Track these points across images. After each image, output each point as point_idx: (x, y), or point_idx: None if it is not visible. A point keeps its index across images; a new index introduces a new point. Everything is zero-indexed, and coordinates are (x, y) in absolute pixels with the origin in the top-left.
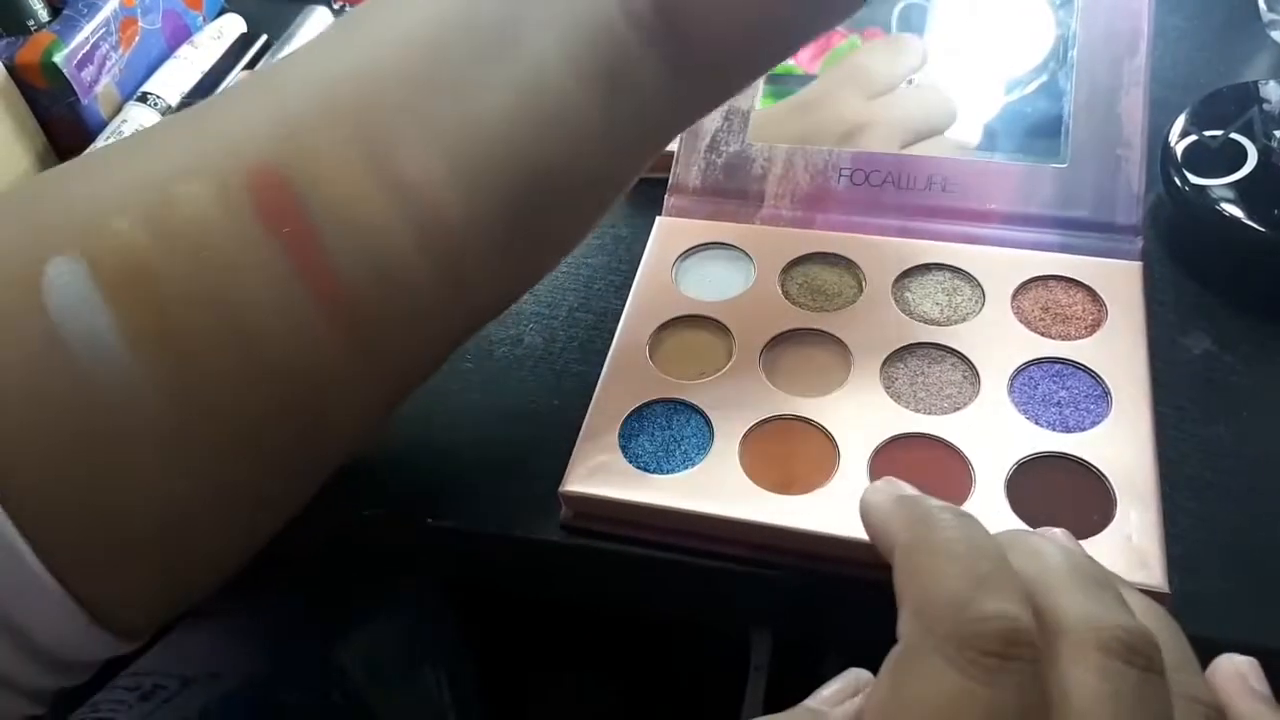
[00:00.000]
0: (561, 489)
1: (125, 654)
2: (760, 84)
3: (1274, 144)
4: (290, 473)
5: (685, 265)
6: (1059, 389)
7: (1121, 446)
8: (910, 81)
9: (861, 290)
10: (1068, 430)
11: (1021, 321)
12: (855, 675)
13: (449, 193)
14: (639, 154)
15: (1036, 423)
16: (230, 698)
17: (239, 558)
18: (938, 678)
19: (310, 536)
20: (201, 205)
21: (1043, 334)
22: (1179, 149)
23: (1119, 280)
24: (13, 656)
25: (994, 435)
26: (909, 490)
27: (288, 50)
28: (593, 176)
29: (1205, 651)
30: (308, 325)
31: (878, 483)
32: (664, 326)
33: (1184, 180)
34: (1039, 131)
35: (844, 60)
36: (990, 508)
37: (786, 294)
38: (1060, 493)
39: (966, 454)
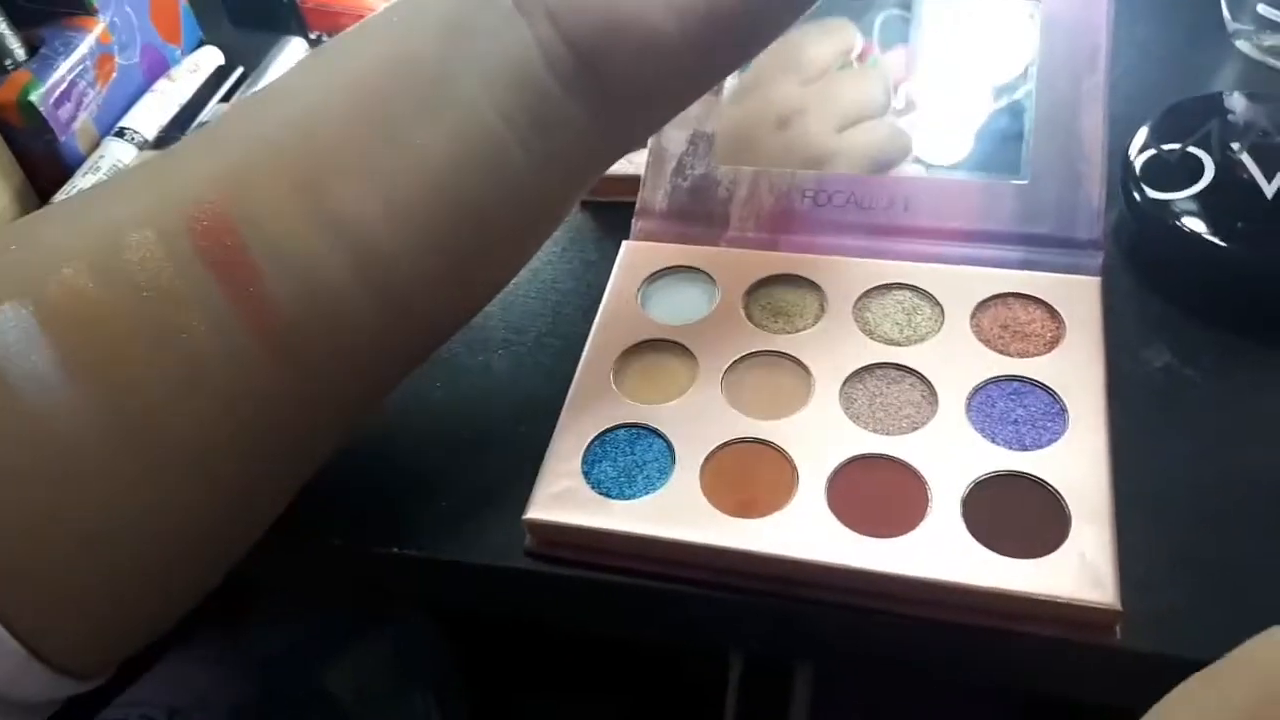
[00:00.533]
0: (525, 517)
1: (96, 687)
2: (724, 108)
3: (1231, 156)
4: (239, 502)
5: (651, 289)
6: (1016, 407)
7: (1077, 464)
8: (849, 65)
9: (823, 311)
10: (1024, 448)
11: (980, 340)
12: None
13: (383, 226)
14: (565, 188)
15: (993, 441)
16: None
17: (194, 591)
18: None
19: (283, 566)
20: (146, 248)
21: (1001, 352)
22: (1138, 163)
23: (1078, 296)
24: None
25: (951, 455)
26: None
27: (264, 82)
28: (522, 209)
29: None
30: (249, 355)
31: None
32: (629, 351)
33: (1142, 194)
34: (1001, 148)
35: (774, 47)
36: (946, 527)
37: (749, 316)
38: (1015, 511)
39: (924, 474)
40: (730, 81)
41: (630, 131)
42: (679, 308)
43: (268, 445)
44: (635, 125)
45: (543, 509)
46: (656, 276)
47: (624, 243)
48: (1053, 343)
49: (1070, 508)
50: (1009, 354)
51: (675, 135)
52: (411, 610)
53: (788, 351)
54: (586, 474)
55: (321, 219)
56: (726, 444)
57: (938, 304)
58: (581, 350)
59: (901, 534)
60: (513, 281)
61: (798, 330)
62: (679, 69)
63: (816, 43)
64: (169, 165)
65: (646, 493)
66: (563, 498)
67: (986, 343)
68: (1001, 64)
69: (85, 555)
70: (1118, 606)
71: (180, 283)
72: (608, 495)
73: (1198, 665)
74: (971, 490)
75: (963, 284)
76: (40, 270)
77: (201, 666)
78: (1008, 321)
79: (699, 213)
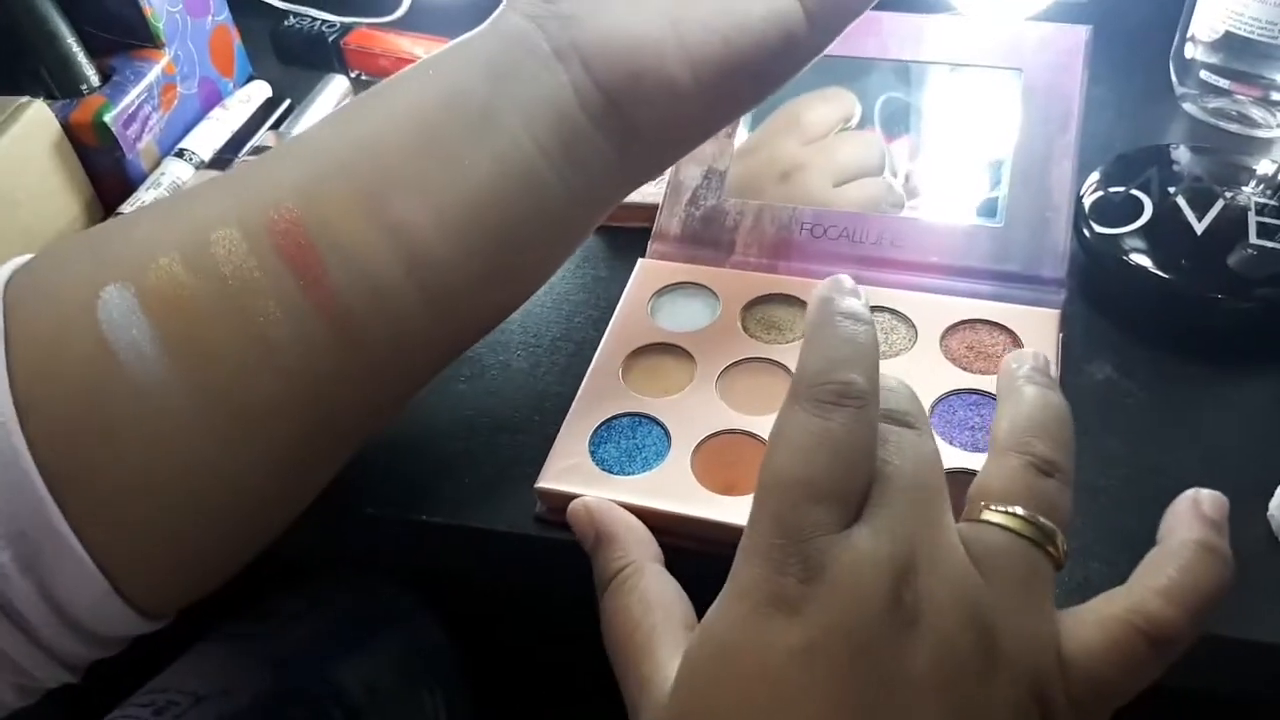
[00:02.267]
0: (536, 485)
1: (136, 656)
2: (734, 158)
3: (1168, 199)
4: (299, 464)
5: (660, 300)
6: (974, 415)
7: None
8: (848, 128)
9: None
10: (978, 450)
11: (948, 358)
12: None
13: (434, 234)
14: (591, 210)
15: (951, 443)
16: (240, 714)
17: (255, 543)
18: (795, 419)
19: (323, 533)
20: (231, 244)
21: (965, 369)
22: (1088, 202)
23: (1037, 324)
24: (57, 629)
25: None
26: (848, 292)
27: (309, 113)
28: (552, 227)
29: None
30: (314, 337)
31: (834, 279)
32: (637, 352)
33: (1091, 230)
34: (980, 196)
35: (779, 111)
36: None
37: (745, 328)
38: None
39: None
40: (741, 134)
41: (651, 164)
42: (684, 317)
43: (324, 418)
44: (656, 159)
45: (552, 479)
46: (666, 290)
47: (640, 260)
48: None
49: None
50: (972, 371)
51: (692, 170)
52: (422, 613)
53: (777, 359)
54: (592, 453)
55: (381, 225)
56: (717, 433)
57: (912, 325)
58: (590, 353)
59: None
60: None
61: (787, 342)
62: (693, 113)
63: (816, 108)
64: (250, 175)
65: (644, 471)
66: (570, 471)
67: (953, 360)
68: (986, 126)
69: (170, 506)
70: None
71: (259, 274)
72: (610, 471)
73: None
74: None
75: (936, 310)
76: (139, 259)
77: (224, 658)
78: (973, 343)
79: (708, 238)
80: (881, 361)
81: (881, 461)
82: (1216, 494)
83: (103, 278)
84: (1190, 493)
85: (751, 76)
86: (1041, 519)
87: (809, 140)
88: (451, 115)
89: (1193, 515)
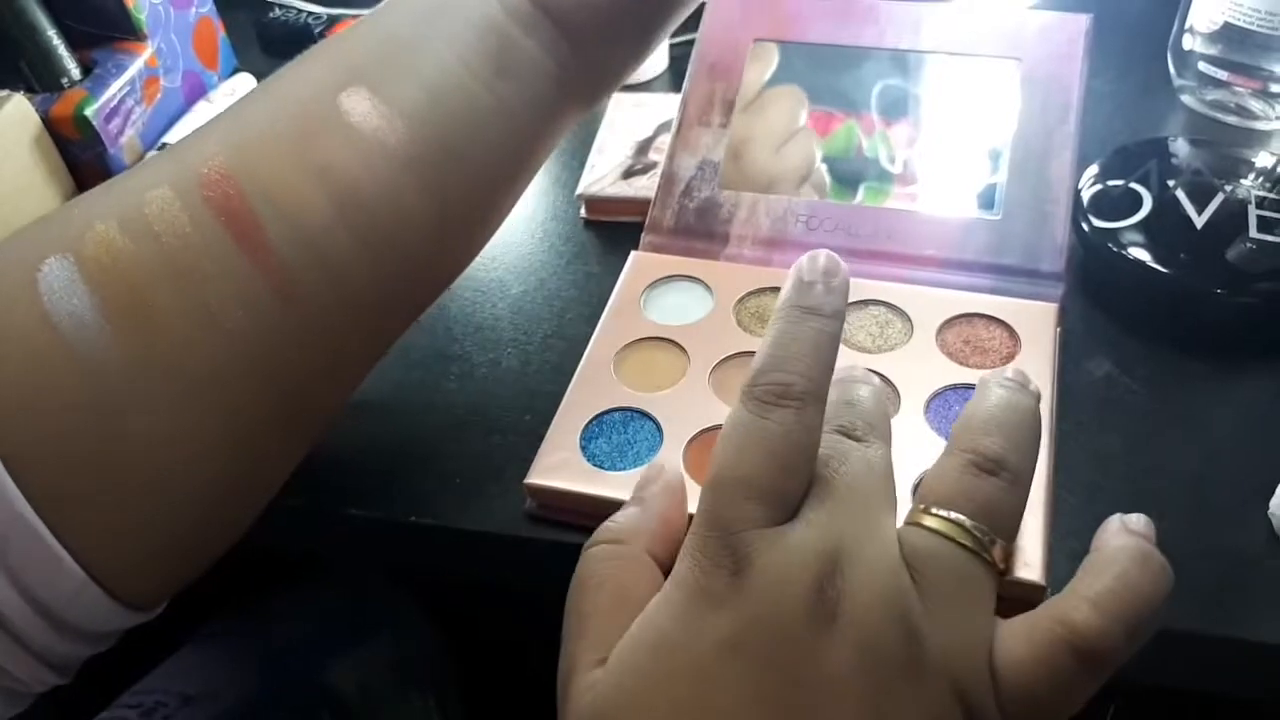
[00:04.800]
0: (526, 481)
1: (124, 658)
2: (731, 140)
3: (1167, 192)
4: (258, 437)
5: (652, 294)
6: None
7: None
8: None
9: None
10: None
11: (944, 352)
12: (655, 465)
13: (363, 173)
14: (535, 127)
15: (947, 438)
16: (228, 715)
17: (232, 523)
18: (736, 415)
19: (308, 535)
20: (165, 205)
21: (961, 363)
22: (1086, 196)
23: (1035, 319)
24: (39, 627)
25: (907, 447)
26: (819, 275)
27: None
28: (493, 149)
29: None
30: (254, 296)
31: (810, 257)
32: (629, 345)
33: (1089, 224)
34: (978, 187)
35: (747, 117)
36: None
37: (739, 322)
38: None
39: None
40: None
41: (592, 74)
42: (677, 311)
43: (278, 383)
44: (595, 66)
45: (542, 475)
46: (659, 283)
47: (632, 253)
48: (1008, 357)
49: None
50: (968, 365)
51: (686, 161)
52: (412, 612)
53: None
54: (583, 448)
55: (308, 170)
56: (709, 428)
57: (909, 319)
58: (583, 351)
59: None
60: (521, 289)
61: None
62: (628, 10)
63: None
64: (186, 140)
65: (636, 466)
66: (561, 467)
67: (949, 355)
68: (985, 115)
69: (133, 480)
70: (1043, 583)
71: (192, 230)
72: (601, 467)
73: None
74: (923, 478)
75: (933, 304)
76: (78, 228)
77: (213, 659)
78: (970, 337)
79: (702, 231)
80: (877, 356)
81: (822, 465)
82: (1144, 517)
83: (43, 251)
84: (1117, 517)
85: None
86: (977, 525)
87: (777, 146)
88: (377, 55)
89: (1124, 528)
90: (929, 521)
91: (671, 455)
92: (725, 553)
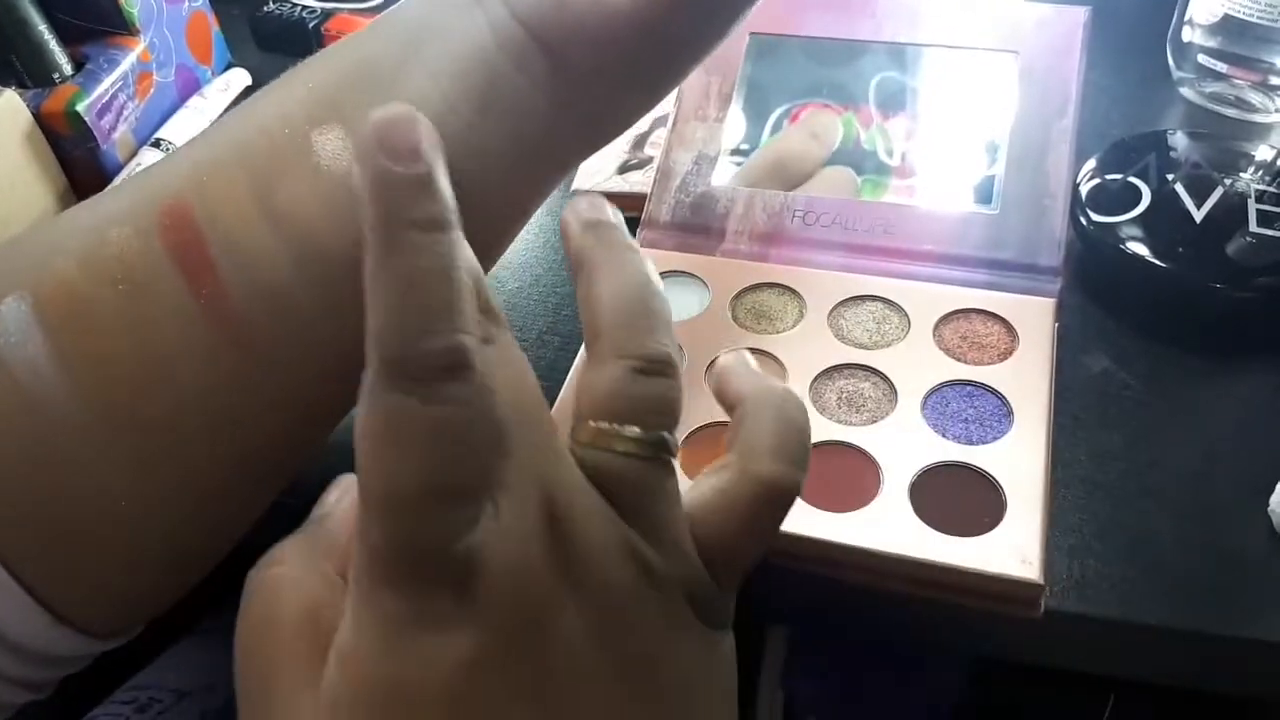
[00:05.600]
0: None
1: (118, 654)
2: (729, 132)
3: (1166, 186)
4: (216, 491)
5: None
6: (968, 407)
7: (1017, 460)
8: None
9: (802, 317)
10: (971, 444)
11: (941, 348)
12: (337, 481)
13: (322, 224)
14: (523, 175)
15: (944, 436)
16: (224, 710)
17: (194, 562)
18: (382, 402)
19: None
20: (123, 243)
21: (959, 359)
22: (1085, 190)
23: (1033, 314)
24: (9, 660)
25: (904, 445)
26: (591, 213)
27: None
28: (474, 198)
29: (1088, 627)
30: (209, 348)
31: (589, 199)
32: None
33: (1087, 218)
34: (976, 181)
35: (774, 147)
36: (894, 507)
37: (735, 318)
38: (957, 497)
39: (878, 460)
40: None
41: (593, 116)
42: (673, 307)
43: (238, 439)
44: (597, 107)
45: None
46: None
47: None
48: (1006, 353)
49: (1007, 497)
50: (965, 361)
51: (682, 156)
52: None
53: (767, 350)
54: None
55: (268, 216)
56: (705, 426)
57: (905, 315)
58: (578, 347)
59: (854, 510)
60: (516, 285)
61: (778, 332)
62: (633, 51)
63: (797, 149)
64: (159, 166)
65: None
66: None
67: (946, 351)
68: (982, 108)
69: (91, 529)
70: (1040, 581)
71: (149, 276)
72: None
73: (1118, 623)
74: (919, 476)
75: (930, 299)
76: (39, 265)
77: (207, 654)
78: (967, 333)
79: (698, 226)
80: (876, 352)
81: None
82: (741, 354)
83: (2, 288)
84: (734, 354)
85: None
86: (655, 435)
87: (804, 177)
88: (353, 85)
89: (751, 371)
90: (610, 443)
91: None
92: (443, 573)
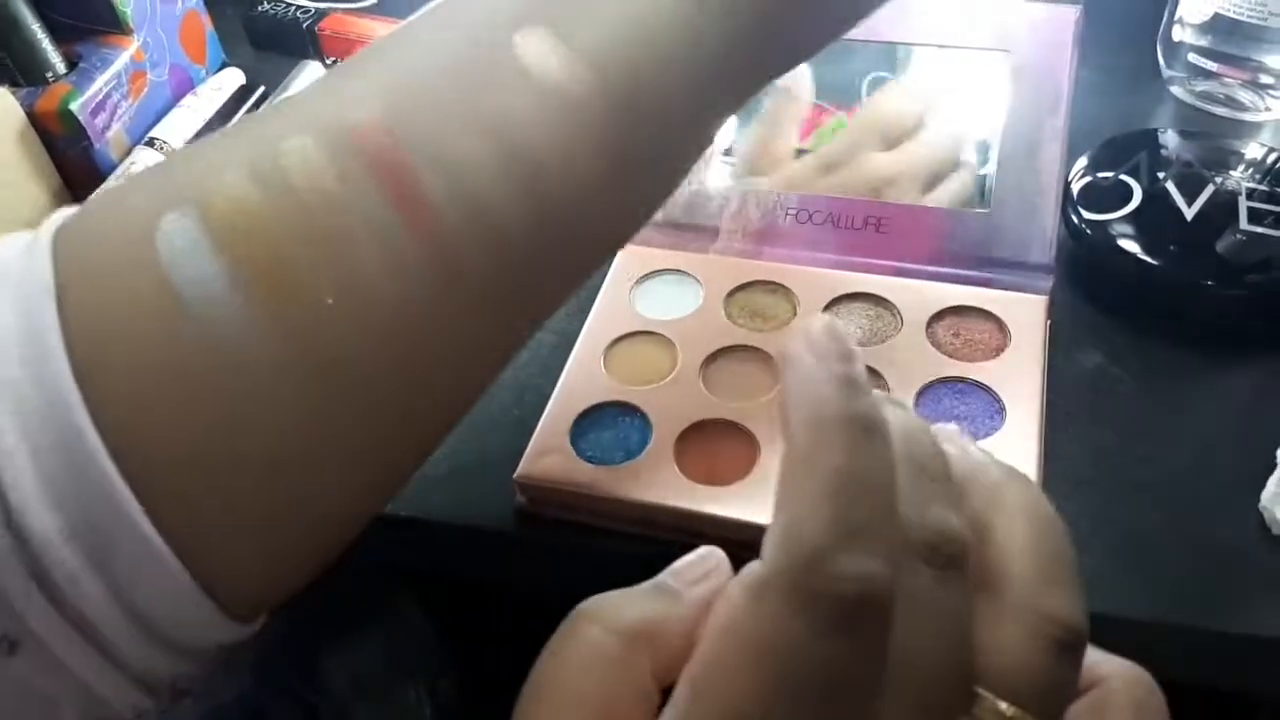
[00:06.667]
0: (516, 476)
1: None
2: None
3: (1158, 184)
4: (400, 425)
5: (642, 288)
6: (960, 404)
7: (1009, 457)
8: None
9: (795, 314)
10: None
11: (934, 345)
12: (708, 553)
13: (541, 132)
14: (732, 83)
15: None
16: (219, 708)
17: (347, 524)
18: (779, 618)
19: None
20: (307, 155)
21: (951, 356)
22: (1076, 188)
23: (1025, 312)
24: (133, 637)
25: None
26: (844, 355)
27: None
28: (687, 104)
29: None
30: (410, 262)
31: (820, 324)
32: (618, 339)
33: (1079, 215)
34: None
35: (862, 117)
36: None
37: (729, 315)
38: None
39: None
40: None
41: (803, 26)
42: (666, 305)
43: (429, 363)
44: (810, 12)
45: (532, 470)
46: (648, 277)
47: None
48: (998, 351)
49: None
50: (958, 358)
51: None
52: (405, 603)
53: (760, 347)
54: (573, 442)
55: (479, 126)
56: (699, 422)
57: (898, 312)
58: (572, 345)
59: None
60: None
61: (771, 330)
62: None
63: (887, 108)
64: (326, 84)
65: (626, 461)
66: (551, 461)
67: (939, 348)
68: (973, 106)
69: (249, 478)
70: None
71: (340, 187)
72: (591, 461)
73: (1110, 618)
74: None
75: (922, 297)
76: (202, 178)
77: None
78: (959, 330)
79: (691, 224)
80: (868, 349)
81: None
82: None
83: (161, 205)
84: (948, 429)
85: None
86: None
87: (894, 142)
88: None
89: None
90: None
91: (661, 449)
92: None
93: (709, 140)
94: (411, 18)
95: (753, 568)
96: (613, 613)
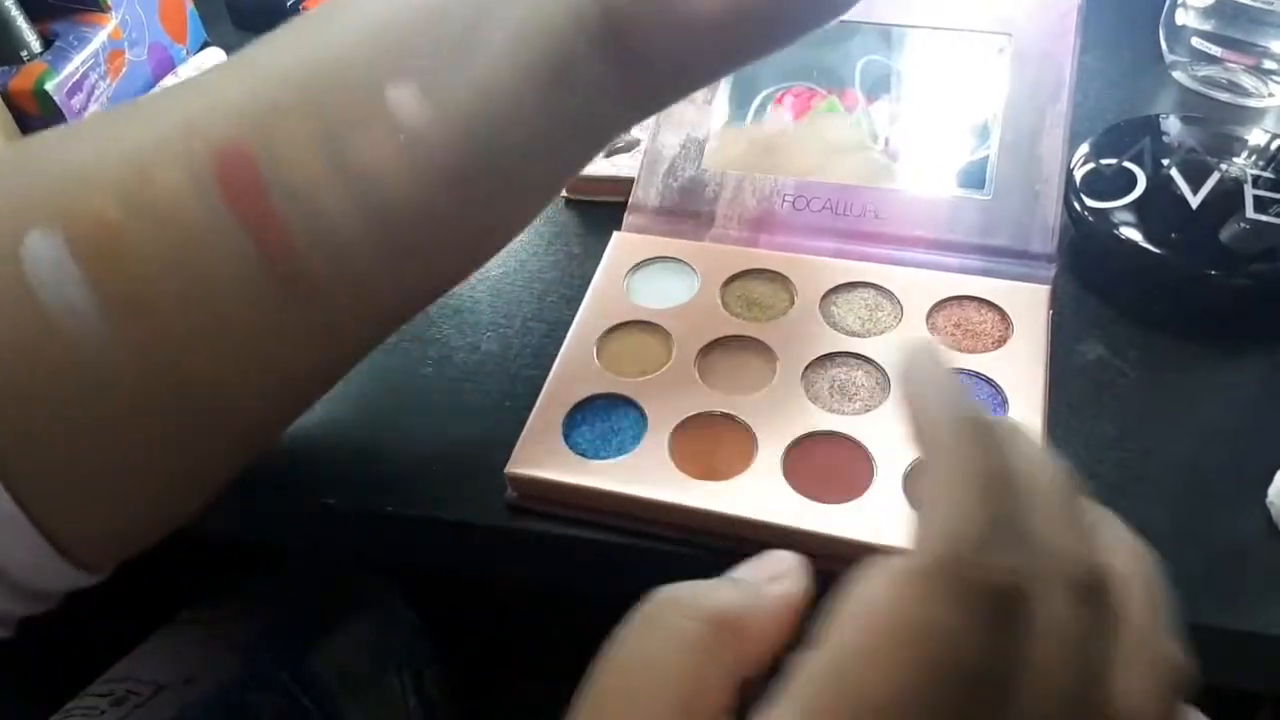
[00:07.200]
0: (507, 470)
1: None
2: (716, 114)
3: (1162, 171)
4: (246, 434)
5: (636, 276)
6: None
7: None
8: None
9: (793, 304)
10: None
11: (934, 336)
12: (782, 555)
13: (401, 180)
14: (582, 149)
15: None
16: (203, 703)
17: (192, 501)
18: (937, 607)
19: (282, 531)
20: (171, 183)
21: (952, 347)
22: (1079, 175)
23: (1027, 302)
24: None
25: (898, 435)
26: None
27: None
28: (536, 169)
29: None
30: (263, 291)
31: (928, 351)
32: (612, 330)
33: (1082, 203)
34: (968, 166)
35: (817, 123)
36: (887, 497)
37: (725, 305)
38: None
39: (871, 451)
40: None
41: (653, 99)
42: (661, 294)
43: (277, 381)
44: (660, 93)
45: (523, 464)
46: (642, 265)
47: (615, 234)
48: (1000, 342)
49: None
50: (959, 349)
51: (670, 139)
52: (391, 596)
53: (757, 337)
54: (566, 436)
55: (339, 171)
56: (695, 416)
57: (898, 302)
58: (564, 334)
59: (846, 501)
60: (501, 271)
61: (768, 319)
62: (714, 43)
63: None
64: (198, 96)
65: (620, 455)
66: (542, 455)
67: (940, 338)
68: (974, 92)
69: (106, 465)
70: None
71: (202, 216)
72: (584, 455)
73: None
74: (912, 467)
75: (923, 286)
76: (70, 195)
77: (187, 645)
78: (960, 321)
79: (687, 211)
80: (868, 340)
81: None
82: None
83: (28, 219)
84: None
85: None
86: None
87: (833, 152)
88: (429, 33)
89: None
90: None
91: (656, 443)
92: None
93: (563, 179)
94: (300, 21)
95: (898, 559)
96: (698, 600)
